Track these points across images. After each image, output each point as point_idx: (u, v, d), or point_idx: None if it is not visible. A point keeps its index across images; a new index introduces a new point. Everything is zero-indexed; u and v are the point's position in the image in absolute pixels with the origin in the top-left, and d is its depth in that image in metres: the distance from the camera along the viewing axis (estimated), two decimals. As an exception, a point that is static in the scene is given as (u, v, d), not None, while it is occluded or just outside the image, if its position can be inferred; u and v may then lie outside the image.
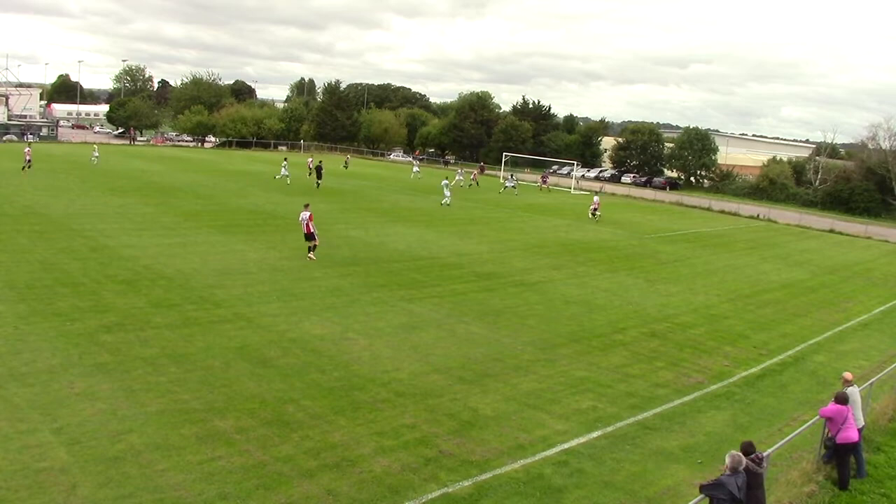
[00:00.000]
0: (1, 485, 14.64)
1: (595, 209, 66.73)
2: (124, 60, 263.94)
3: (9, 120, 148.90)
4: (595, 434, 19.57)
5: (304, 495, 15.25)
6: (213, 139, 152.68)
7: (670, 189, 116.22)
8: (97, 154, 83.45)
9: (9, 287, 28.79)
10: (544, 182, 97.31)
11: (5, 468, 15.27)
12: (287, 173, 76.56)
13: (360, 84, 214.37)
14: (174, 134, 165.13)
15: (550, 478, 16.91)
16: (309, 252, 37.93)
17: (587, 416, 20.72)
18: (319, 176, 74.04)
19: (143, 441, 16.94)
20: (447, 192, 66.70)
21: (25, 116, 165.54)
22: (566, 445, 18.67)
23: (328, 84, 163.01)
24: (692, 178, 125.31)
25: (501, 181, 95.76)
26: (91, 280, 30.77)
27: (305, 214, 37.93)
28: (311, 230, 37.77)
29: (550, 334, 28.45)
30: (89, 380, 20.32)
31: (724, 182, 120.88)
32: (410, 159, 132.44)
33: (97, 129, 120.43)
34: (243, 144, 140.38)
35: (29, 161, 68.58)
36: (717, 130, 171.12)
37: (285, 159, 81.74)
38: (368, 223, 52.10)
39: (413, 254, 41.63)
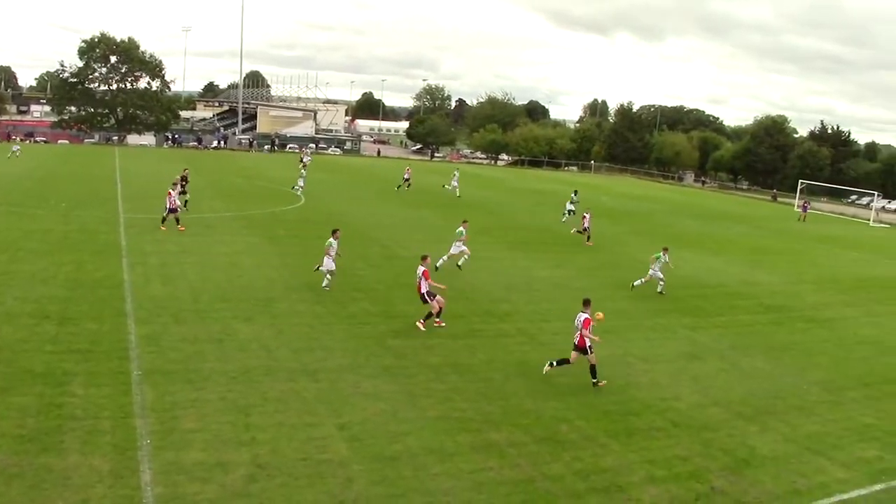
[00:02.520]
0: (284, 471, 15.63)
1: None
2: (424, 80, 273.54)
3: (316, 133, 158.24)
4: (878, 487, 18.32)
5: (570, 515, 15.30)
6: (505, 157, 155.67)
7: None
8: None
9: (308, 288, 30.71)
10: (804, 210, 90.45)
11: (290, 456, 16.30)
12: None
13: (653, 106, 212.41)
14: (469, 151, 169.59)
15: (827, 527, 16.14)
16: (428, 318, 27.46)
17: (871, 467, 19.48)
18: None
19: (419, 444, 17.56)
20: None
21: (331, 130, 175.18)
22: (846, 496, 17.60)
23: (621, 105, 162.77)
24: None
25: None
26: (384, 287, 32.24)
27: (420, 269, 27.43)
28: (423, 290, 27.28)
29: (838, 375, 27.01)
30: (374, 381, 21.28)
31: None
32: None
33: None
34: (535, 163, 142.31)
35: (407, 180, 73.29)
36: None
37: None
38: (658, 247, 51.39)
39: (700, 280, 40.79)
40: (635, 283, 36.37)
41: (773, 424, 21.55)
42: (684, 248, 52.08)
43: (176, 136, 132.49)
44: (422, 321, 27.17)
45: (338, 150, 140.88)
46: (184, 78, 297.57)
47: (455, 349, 24.97)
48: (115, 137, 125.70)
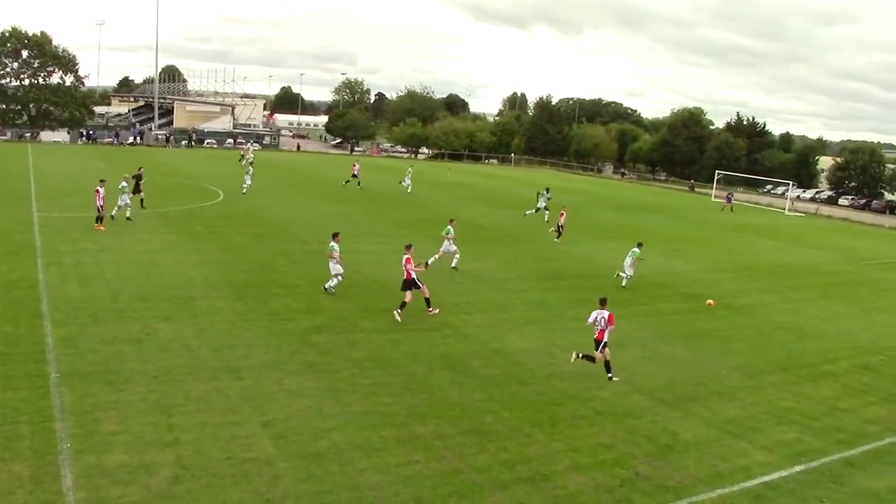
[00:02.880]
0: (209, 471, 15.47)
1: None
2: (343, 74, 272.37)
3: (234, 128, 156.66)
4: (798, 468, 18.77)
5: (496, 506, 15.39)
6: (426, 151, 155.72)
7: (890, 213, 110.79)
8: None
9: (228, 285, 30.39)
10: (728, 202, 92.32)
11: (214, 456, 16.13)
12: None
13: (572, 98, 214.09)
14: (389, 145, 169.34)
15: (749, 509, 16.43)
16: (403, 308, 28.36)
17: (791, 449, 19.93)
18: None
19: (344, 440, 17.50)
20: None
21: (250, 125, 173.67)
22: (766, 478, 17.98)
23: (540, 98, 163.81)
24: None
25: None
26: (305, 282, 32.05)
27: (404, 258, 28.52)
28: (412, 276, 28.34)
29: (757, 360, 27.56)
30: (298, 377, 21.17)
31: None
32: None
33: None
34: (455, 156, 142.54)
35: (356, 176, 72.59)
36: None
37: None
38: (578, 238, 51.95)
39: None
40: (621, 276, 37.80)
41: (695, 410, 21.91)
42: (604, 239, 52.78)
43: (91, 132, 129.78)
44: (400, 311, 27.94)
45: (256, 145, 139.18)
46: (98, 73, 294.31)
47: (378, 343, 24.94)
48: (28, 134, 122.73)
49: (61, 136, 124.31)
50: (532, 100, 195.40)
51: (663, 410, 21.64)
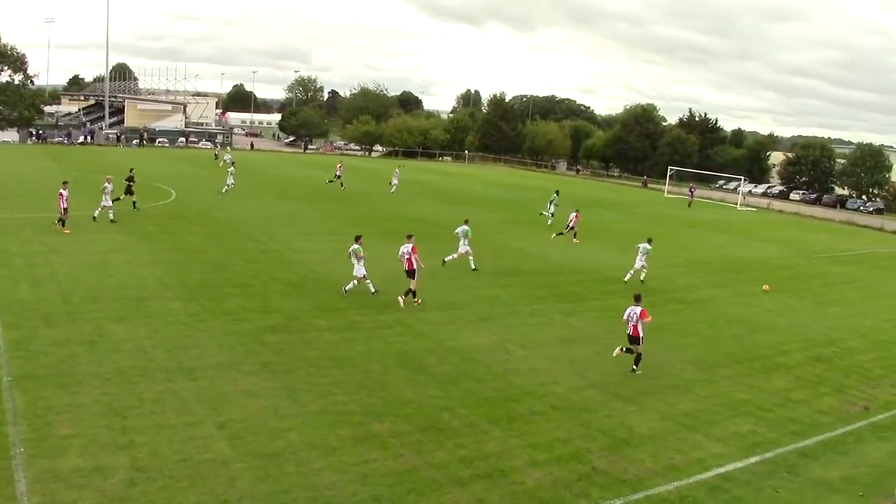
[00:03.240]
0: (164, 473, 15.31)
1: None
2: (296, 71, 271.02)
3: (186, 127, 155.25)
4: (753, 459, 19.01)
5: (454, 503, 15.39)
6: (380, 148, 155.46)
7: (840, 207, 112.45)
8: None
9: (181, 285, 30.12)
10: (691, 195, 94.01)
11: (169, 458, 15.97)
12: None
13: (526, 96, 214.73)
14: (343, 143, 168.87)
15: (704, 502, 16.53)
16: (408, 294, 30.58)
17: (745, 441, 20.17)
18: None
19: (301, 439, 17.42)
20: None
21: (202, 124, 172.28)
22: (722, 470, 18.19)
23: (494, 95, 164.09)
24: (864, 196, 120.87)
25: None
26: (259, 282, 31.85)
27: (407, 247, 30.69)
28: (414, 266, 30.53)
29: (711, 354, 27.86)
30: (253, 378, 21.03)
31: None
32: None
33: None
34: (409, 154, 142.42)
35: (339, 176, 72.30)
36: (892, 147, 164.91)
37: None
38: (532, 235, 52.15)
39: (575, 267, 41.44)
40: (625, 279, 38.42)
41: (650, 404, 22.08)
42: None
43: (40, 131, 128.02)
44: (403, 297, 30.12)
45: (209, 143, 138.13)
46: (48, 71, 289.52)
47: (333, 342, 24.85)
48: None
49: (10, 135, 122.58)
50: (486, 97, 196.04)
51: (619, 405, 21.78)
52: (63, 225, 39.51)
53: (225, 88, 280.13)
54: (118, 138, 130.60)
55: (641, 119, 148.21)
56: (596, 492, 16.39)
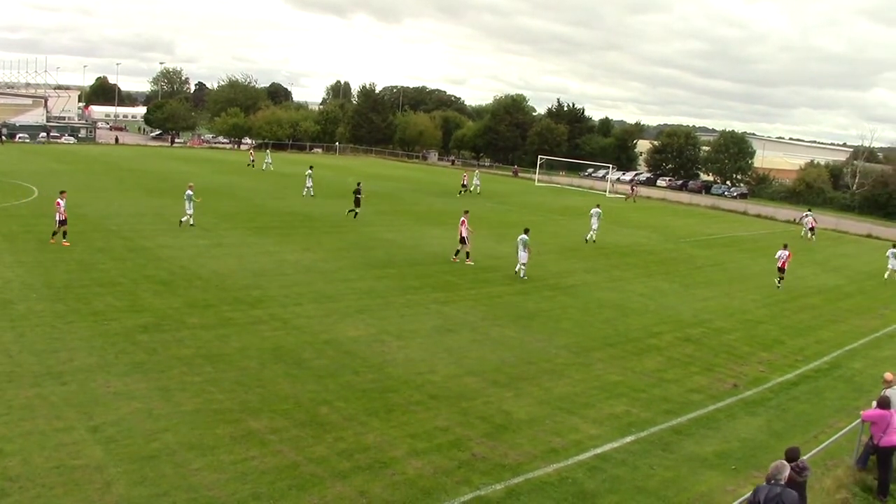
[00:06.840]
0: (37, 482, 14.78)
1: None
2: (161, 63, 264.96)
3: (48, 121, 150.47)
4: (628, 439, 19.46)
5: (336, 496, 15.27)
6: (249, 141, 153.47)
7: (706, 192, 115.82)
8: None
9: (47, 286, 29.12)
10: (632, 191, 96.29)
11: (41, 465, 15.42)
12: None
13: (396, 87, 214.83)
14: (211, 136, 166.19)
15: (583, 482, 16.83)
16: (462, 255, 40.84)
17: (621, 421, 20.62)
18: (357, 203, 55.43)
19: (177, 440, 17.05)
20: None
21: (64, 118, 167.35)
22: (599, 450, 18.57)
23: (363, 87, 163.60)
24: (728, 182, 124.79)
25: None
26: (128, 280, 31.04)
27: (461, 219, 40.87)
28: (464, 234, 40.42)
29: (584, 338, 28.35)
30: (125, 379, 20.48)
31: (761, 186, 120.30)
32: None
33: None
34: (279, 146, 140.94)
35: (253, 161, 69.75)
36: (754, 134, 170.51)
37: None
38: (404, 226, 52.22)
39: (448, 256, 41.57)
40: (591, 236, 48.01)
41: (527, 389, 22.34)
42: (431, 225, 53.17)
43: None
44: (455, 257, 40.82)
45: (72, 138, 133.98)
46: None
47: (207, 339, 24.40)
48: None
49: None
50: (356, 88, 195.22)
51: (496, 391, 21.97)
52: (64, 236, 37.39)
53: (88, 81, 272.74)
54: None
55: (511, 109, 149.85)
56: (477, 478, 16.50)
